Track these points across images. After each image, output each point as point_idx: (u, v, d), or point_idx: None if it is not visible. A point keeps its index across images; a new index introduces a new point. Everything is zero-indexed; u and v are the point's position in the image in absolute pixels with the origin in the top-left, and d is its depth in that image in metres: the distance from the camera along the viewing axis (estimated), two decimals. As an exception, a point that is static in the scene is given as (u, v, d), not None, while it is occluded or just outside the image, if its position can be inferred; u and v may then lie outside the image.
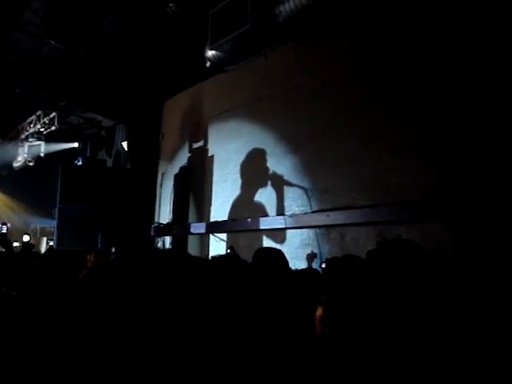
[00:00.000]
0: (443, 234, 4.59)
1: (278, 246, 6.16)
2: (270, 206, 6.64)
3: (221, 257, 2.69)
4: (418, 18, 5.04)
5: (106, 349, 2.17)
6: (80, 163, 10.94)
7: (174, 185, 8.79)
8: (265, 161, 6.86)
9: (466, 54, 4.58)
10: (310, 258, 5.84)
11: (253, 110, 7.18)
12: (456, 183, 4.56)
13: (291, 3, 5.24)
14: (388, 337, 1.70)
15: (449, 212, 4.62)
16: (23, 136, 11.67)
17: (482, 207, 4.34)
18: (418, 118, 4.97)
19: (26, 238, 8.12)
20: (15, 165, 12.26)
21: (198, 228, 8.05)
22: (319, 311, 1.91)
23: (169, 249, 8.13)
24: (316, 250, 5.87)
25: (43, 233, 12.85)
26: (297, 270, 3.90)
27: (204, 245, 7.90)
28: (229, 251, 5.85)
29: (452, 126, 4.65)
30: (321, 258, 5.72)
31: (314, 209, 5.98)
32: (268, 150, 6.82)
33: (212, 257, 2.54)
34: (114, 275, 2.45)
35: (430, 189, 4.79)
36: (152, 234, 8.97)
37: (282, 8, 5.36)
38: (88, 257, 4.43)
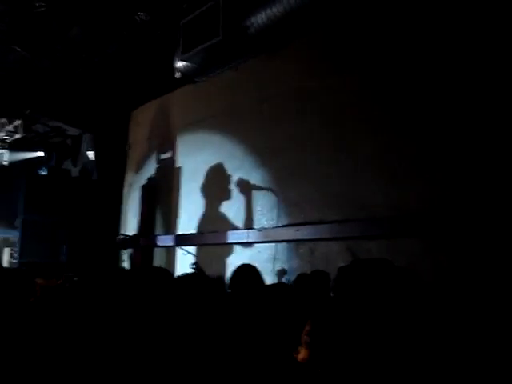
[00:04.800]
0: (413, 249, 4.58)
1: (246, 260, 6.07)
2: (239, 219, 6.56)
3: (187, 276, 2.60)
4: (391, 29, 5.04)
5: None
6: (45, 173, 10.69)
7: (141, 196, 8.63)
8: (234, 173, 6.78)
9: (439, 70, 4.59)
10: (280, 272, 5.77)
11: (222, 122, 7.11)
12: (426, 199, 4.55)
13: (263, 15, 5.19)
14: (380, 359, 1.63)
15: (419, 228, 4.61)
16: (-14, 144, 11.36)
17: (451, 223, 4.34)
18: (390, 133, 4.95)
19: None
20: (-22, 173, 11.90)
21: (164, 240, 7.93)
22: (305, 338, 1.82)
23: (134, 268, 7.98)
24: (285, 265, 5.81)
25: (6, 243, 12.51)
26: (268, 285, 3.85)
27: (171, 258, 7.77)
28: (193, 267, 5.73)
29: (422, 143, 4.64)
30: (290, 273, 5.66)
31: (284, 223, 5.92)
32: (237, 163, 6.74)
33: (178, 276, 2.45)
34: (72, 299, 2.34)
35: (400, 204, 4.77)
36: (118, 245, 8.79)
37: (253, 20, 5.31)
38: (37, 280, 4.19)
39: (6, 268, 7.74)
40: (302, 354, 1.79)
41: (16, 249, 9.73)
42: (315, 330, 1.77)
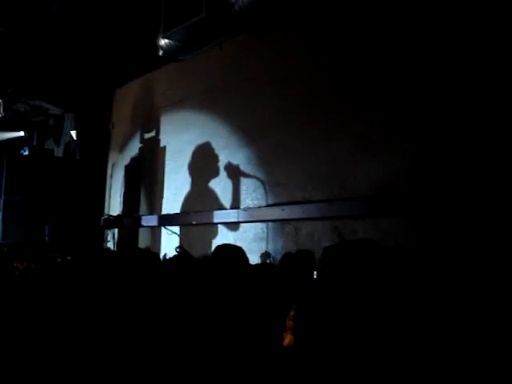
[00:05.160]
0: (398, 229, 4.58)
1: (231, 240, 6.07)
2: (224, 199, 6.53)
3: (173, 258, 2.57)
4: (380, 13, 4.99)
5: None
6: (26, 153, 10.56)
7: (125, 176, 8.56)
8: (219, 153, 6.74)
9: (417, 53, 4.56)
10: (265, 252, 5.76)
11: (207, 100, 7.04)
12: (411, 179, 4.55)
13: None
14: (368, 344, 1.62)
15: (403, 207, 4.61)
16: (-34, 123, 11.16)
17: (436, 203, 4.34)
18: (372, 113, 4.93)
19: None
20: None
21: (149, 220, 7.88)
22: (290, 323, 1.80)
23: (118, 250, 7.92)
24: (270, 244, 5.80)
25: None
26: (253, 265, 3.82)
27: (156, 238, 7.73)
28: (178, 250, 5.68)
29: (406, 123, 4.63)
30: (275, 253, 5.66)
31: (269, 202, 5.90)
32: (222, 142, 6.69)
33: (164, 259, 2.42)
34: (54, 283, 2.30)
35: (384, 184, 4.76)
36: (102, 225, 8.73)
37: (238, -3, 5.24)
38: (15, 265, 4.10)
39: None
40: (287, 340, 1.77)
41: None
42: (300, 314, 1.75)
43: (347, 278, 1.85)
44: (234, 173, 6.43)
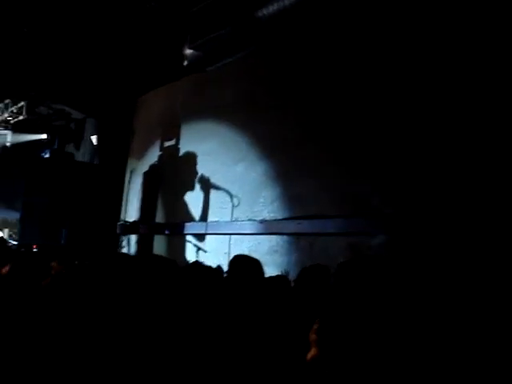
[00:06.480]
0: (412, 246, 4.57)
1: (246, 251, 6.08)
2: (241, 210, 6.54)
3: (189, 267, 2.60)
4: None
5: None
6: (47, 156, 10.68)
7: (143, 183, 8.62)
8: (237, 164, 6.76)
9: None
10: (279, 265, 5.76)
11: (228, 111, 7.07)
12: (425, 198, 4.57)
13: (275, 6, 5.17)
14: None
15: (416, 224, 4.61)
16: (-12, 124, 11.33)
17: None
18: (390, 133, 4.96)
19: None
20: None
21: (164, 228, 7.93)
22: (313, 336, 1.81)
23: (137, 255, 7.96)
24: (284, 258, 5.80)
25: (5, 224, 12.50)
26: (267, 278, 3.83)
27: (171, 245, 7.76)
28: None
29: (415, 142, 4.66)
30: (289, 266, 5.65)
31: (285, 216, 5.91)
32: (240, 154, 6.72)
33: (184, 266, 2.46)
34: (81, 282, 2.34)
35: (399, 201, 4.77)
36: (118, 231, 8.80)
37: (265, 11, 5.29)
38: (52, 264, 4.20)
39: (22, 251, 7.68)
40: (311, 353, 1.78)
41: (15, 230, 9.74)
42: (323, 328, 1.77)
43: (361, 295, 1.87)
44: (252, 185, 6.44)
